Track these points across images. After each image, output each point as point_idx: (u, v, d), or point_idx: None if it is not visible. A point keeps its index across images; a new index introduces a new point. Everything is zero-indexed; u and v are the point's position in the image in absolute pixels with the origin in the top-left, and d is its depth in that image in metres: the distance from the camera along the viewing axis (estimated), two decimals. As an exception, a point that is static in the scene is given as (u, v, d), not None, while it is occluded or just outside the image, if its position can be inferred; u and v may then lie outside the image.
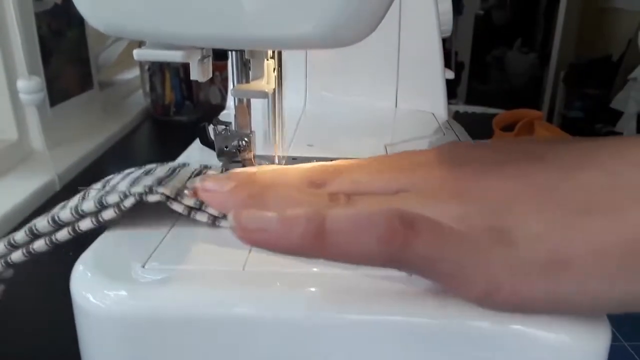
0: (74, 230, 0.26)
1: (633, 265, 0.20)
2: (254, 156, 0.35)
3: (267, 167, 0.31)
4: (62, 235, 0.26)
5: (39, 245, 0.26)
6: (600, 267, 0.20)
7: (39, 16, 0.66)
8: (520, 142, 0.27)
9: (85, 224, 0.26)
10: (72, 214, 0.26)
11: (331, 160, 0.39)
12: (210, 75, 0.30)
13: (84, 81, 0.81)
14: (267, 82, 0.32)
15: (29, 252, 0.27)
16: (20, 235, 0.26)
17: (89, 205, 0.26)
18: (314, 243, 0.21)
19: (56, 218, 0.26)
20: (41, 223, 0.26)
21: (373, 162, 0.28)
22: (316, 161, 0.35)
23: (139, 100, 0.98)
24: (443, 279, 0.22)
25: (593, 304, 0.21)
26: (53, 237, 0.26)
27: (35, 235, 0.26)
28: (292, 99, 0.35)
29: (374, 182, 0.26)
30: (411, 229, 0.21)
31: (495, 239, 0.21)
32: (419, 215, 0.21)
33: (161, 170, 0.30)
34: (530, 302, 0.21)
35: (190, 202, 0.27)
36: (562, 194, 0.22)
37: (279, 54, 0.33)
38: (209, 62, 0.29)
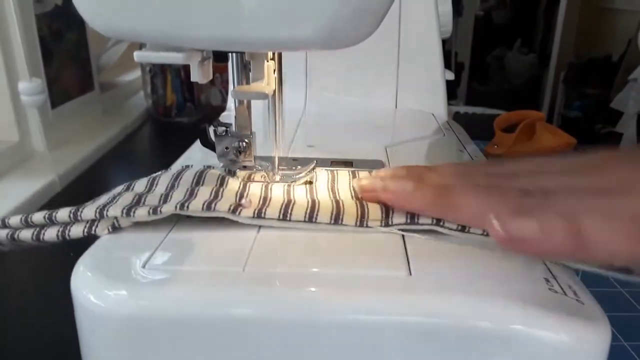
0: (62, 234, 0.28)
1: None
2: (255, 157, 0.35)
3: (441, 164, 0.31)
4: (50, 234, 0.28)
5: (24, 234, 0.28)
6: None
7: (39, 18, 0.66)
8: None
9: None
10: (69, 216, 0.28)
11: (330, 161, 0.39)
12: (211, 77, 0.30)
13: (84, 83, 0.81)
14: (267, 84, 0.32)
15: (13, 238, 0.28)
16: (14, 220, 0.29)
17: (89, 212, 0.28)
18: (574, 247, 0.22)
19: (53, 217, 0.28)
20: (37, 216, 0.28)
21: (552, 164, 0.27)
22: (316, 161, 0.35)
23: (140, 102, 0.98)
24: None
25: None
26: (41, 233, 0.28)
27: (28, 225, 0.28)
28: (292, 100, 0.35)
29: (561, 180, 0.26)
30: None
31: None
32: None
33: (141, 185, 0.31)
34: None
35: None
36: None
37: (279, 55, 0.33)
38: (209, 64, 0.29)
